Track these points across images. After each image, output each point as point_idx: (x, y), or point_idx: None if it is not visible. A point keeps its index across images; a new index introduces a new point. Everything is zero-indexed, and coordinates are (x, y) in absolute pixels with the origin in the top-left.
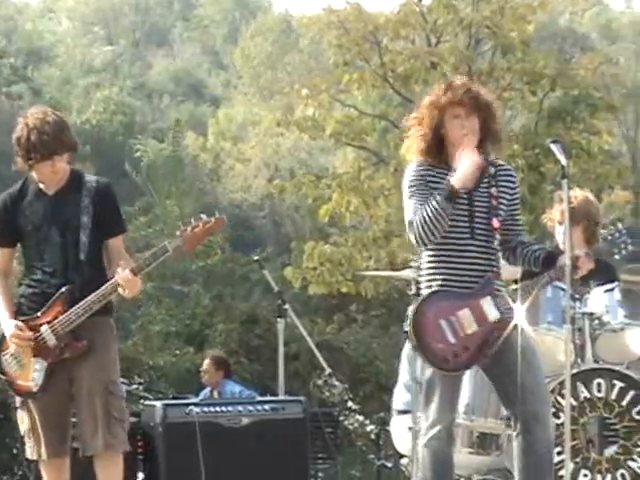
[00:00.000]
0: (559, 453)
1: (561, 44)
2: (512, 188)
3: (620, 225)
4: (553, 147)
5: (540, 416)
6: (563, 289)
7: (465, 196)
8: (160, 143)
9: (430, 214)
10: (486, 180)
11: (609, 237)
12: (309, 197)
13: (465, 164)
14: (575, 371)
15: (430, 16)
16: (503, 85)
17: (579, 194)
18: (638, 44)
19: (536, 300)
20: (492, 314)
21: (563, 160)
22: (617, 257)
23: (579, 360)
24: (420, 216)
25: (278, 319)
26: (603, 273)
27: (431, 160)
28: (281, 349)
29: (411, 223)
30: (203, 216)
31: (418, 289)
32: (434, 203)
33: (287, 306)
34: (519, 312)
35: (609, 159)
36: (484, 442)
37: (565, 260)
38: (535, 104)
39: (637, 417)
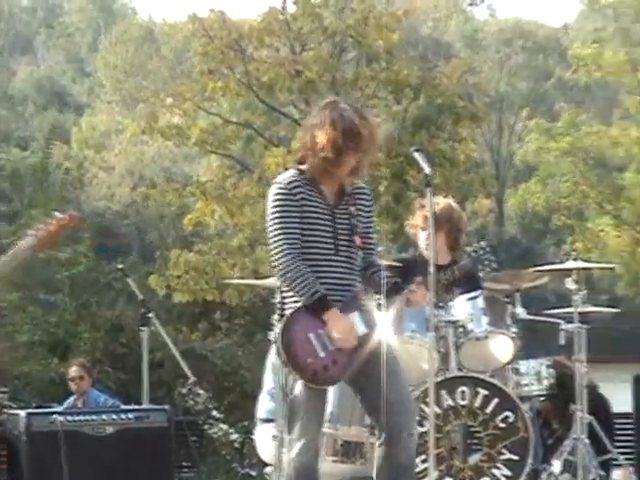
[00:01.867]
0: (423, 461)
1: (424, 52)
2: (367, 207)
3: (484, 243)
4: (417, 155)
5: (404, 427)
6: None
7: (327, 213)
8: (23, 151)
9: (298, 287)
10: (345, 198)
11: (474, 254)
12: (173, 205)
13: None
14: (439, 379)
15: (294, 24)
16: (368, 94)
17: (442, 201)
18: (501, 53)
19: (399, 309)
20: (359, 329)
21: (427, 168)
22: (481, 274)
23: (443, 368)
24: (292, 278)
25: (142, 327)
26: (467, 281)
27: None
28: (145, 357)
29: (283, 272)
30: (57, 213)
31: (284, 303)
32: (308, 287)
33: (151, 314)
34: (385, 323)
35: (473, 168)
36: (348, 450)
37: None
38: (399, 113)
39: (501, 425)
